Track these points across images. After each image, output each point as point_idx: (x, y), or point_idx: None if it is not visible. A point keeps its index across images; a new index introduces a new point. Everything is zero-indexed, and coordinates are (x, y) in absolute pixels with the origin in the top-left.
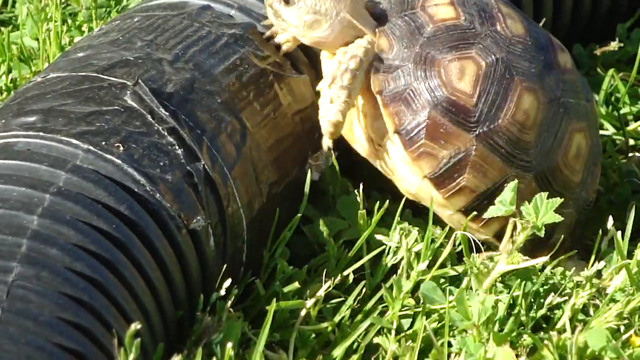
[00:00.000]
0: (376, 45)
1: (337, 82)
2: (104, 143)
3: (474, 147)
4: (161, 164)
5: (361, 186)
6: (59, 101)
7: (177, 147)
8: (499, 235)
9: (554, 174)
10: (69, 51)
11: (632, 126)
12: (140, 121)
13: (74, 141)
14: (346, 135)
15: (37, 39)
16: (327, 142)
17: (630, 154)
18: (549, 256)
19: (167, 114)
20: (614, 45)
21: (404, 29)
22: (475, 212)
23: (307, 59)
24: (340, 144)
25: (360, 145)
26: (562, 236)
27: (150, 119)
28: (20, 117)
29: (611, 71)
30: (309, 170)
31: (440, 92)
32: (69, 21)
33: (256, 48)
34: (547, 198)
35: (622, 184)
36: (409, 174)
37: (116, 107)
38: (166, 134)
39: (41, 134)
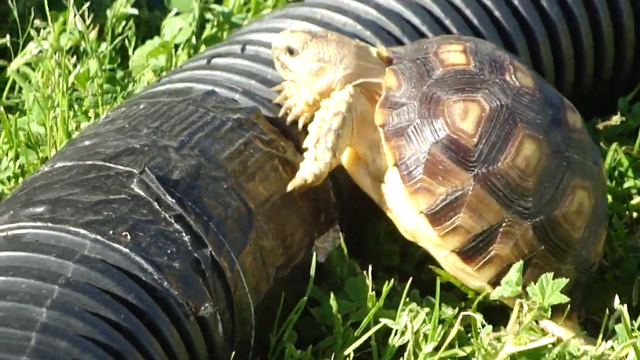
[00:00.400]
0: (385, 82)
1: (322, 142)
2: (111, 232)
3: (471, 186)
4: (168, 251)
5: (370, 268)
6: (67, 191)
7: (184, 234)
8: (495, 283)
9: (552, 226)
10: (75, 139)
11: (637, 200)
12: (147, 209)
13: (82, 231)
14: (349, 170)
15: (44, 125)
16: (294, 184)
17: (635, 229)
18: (555, 337)
19: (173, 201)
20: (616, 119)
21: (414, 70)
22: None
23: None
24: (345, 221)
25: (362, 179)
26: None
27: (157, 207)
28: (29, 207)
29: (614, 145)
30: (315, 253)
31: (442, 129)
32: (75, 106)
33: (261, 132)
34: (545, 250)
35: (627, 259)
36: (406, 210)
37: (123, 196)
38: (173, 221)
39: (49, 224)
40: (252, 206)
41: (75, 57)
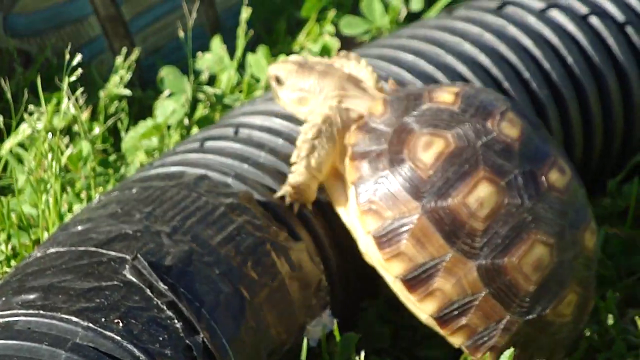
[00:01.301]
0: (369, 109)
1: (299, 152)
2: (103, 320)
3: (417, 216)
4: (160, 338)
5: (362, 354)
6: (59, 277)
7: (176, 321)
8: (440, 319)
9: (499, 272)
10: (68, 224)
11: (627, 281)
12: (140, 296)
13: (74, 319)
14: (327, 186)
15: (36, 206)
16: (280, 194)
17: (626, 312)
18: None
19: (165, 287)
20: (605, 200)
21: (404, 103)
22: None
23: (302, 224)
24: (337, 305)
25: (337, 198)
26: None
27: (149, 293)
28: (21, 294)
29: (604, 227)
30: (307, 338)
31: (403, 158)
32: (68, 188)
33: (253, 216)
34: (489, 294)
35: (618, 341)
36: (360, 230)
37: (115, 282)
38: (165, 307)
39: (41, 312)
40: (244, 292)
41: (68, 137)
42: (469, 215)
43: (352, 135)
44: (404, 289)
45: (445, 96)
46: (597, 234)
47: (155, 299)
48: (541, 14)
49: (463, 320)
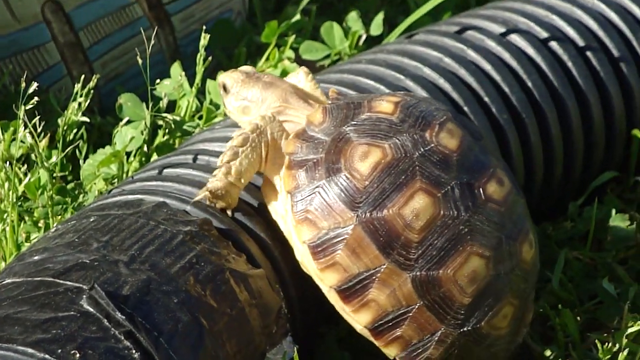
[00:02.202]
0: (309, 117)
1: (222, 158)
2: (60, 351)
3: (352, 226)
4: None
5: None
6: (15, 308)
7: (134, 351)
8: (374, 330)
9: (434, 284)
10: (24, 253)
11: (587, 305)
12: (97, 326)
13: (30, 350)
14: (263, 193)
15: None
16: (197, 198)
17: (586, 336)
18: None
19: (123, 317)
20: (566, 224)
21: (343, 111)
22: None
23: (261, 250)
24: (297, 332)
25: (272, 206)
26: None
27: (107, 323)
28: None
29: (564, 250)
30: None
31: (339, 167)
32: (26, 217)
33: (212, 244)
34: (424, 306)
35: None
36: (295, 239)
37: (72, 313)
38: (123, 337)
39: None
40: (203, 320)
41: (25, 165)
42: (404, 226)
43: (290, 143)
44: (339, 300)
45: (385, 105)
46: (536, 245)
47: (113, 329)
48: (500, 38)
49: (398, 332)
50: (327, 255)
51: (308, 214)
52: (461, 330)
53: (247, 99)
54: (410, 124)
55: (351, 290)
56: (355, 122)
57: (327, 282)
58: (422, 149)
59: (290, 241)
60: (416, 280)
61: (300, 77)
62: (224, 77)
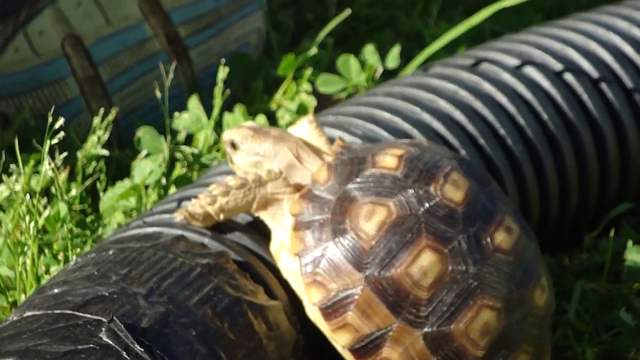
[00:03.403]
0: (313, 175)
1: (212, 189)
2: None
3: (361, 287)
4: None
5: None
6: (35, 341)
7: None
8: (357, 351)
9: (446, 340)
10: (44, 286)
11: (604, 336)
12: (116, 358)
13: None
14: (273, 254)
15: (13, 268)
16: (175, 215)
17: None
18: None
19: (142, 350)
20: (582, 255)
21: (347, 167)
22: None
23: (279, 283)
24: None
25: (283, 265)
26: None
27: (126, 356)
28: None
29: (580, 282)
30: None
31: (345, 228)
32: (45, 250)
33: (230, 277)
34: None
35: None
36: (306, 300)
37: (91, 345)
38: None
39: None
40: (221, 353)
41: (46, 198)
42: (412, 285)
43: (295, 204)
44: (353, 359)
45: (389, 160)
46: (549, 288)
47: None
48: (516, 71)
49: None
50: (338, 316)
51: (317, 276)
52: None
53: (260, 154)
54: (414, 178)
55: (364, 350)
56: (359, 180)
57: (339, 342)
58: (427, 204)
59: (302, 300)
60: (428, 337)
61: (303, 126)
62: (231, 134)
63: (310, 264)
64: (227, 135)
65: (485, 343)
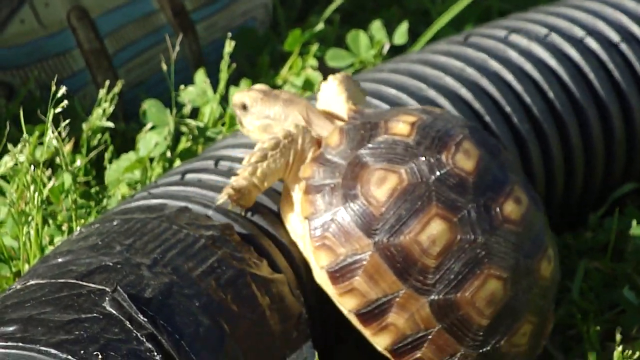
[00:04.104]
0: (326, 139)
1: (250, 158)
2: (82, 352)
3: (370, 253)
4: None
5: None
6: (38, 309)
7: (155, 354)
8: (394, 351)
9: (452, 308)
10: (48, 256)
11: (607, 314)
12: (119, 328)
13: (53, 351)
14: (282, 213)
15: (18, 238)
16: (220, 198)
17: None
18: None
19: (145, 319)
20: (587, 234)
21: (360, 133)
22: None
23: (283, 256)
24: (317, 337)
25: (292, 228)
26: None
27: (129, 326)
28: (0, 326)
29: (584, 261)
30: None
31: (356, 193)
32: (50, 220)
33: (233, 249)
34: (442, 329)
35: None
36: (314, 263)
37: (95, 315)
38: (145, 340)
39: (20, 344)
40: (224, 324)
41: (50, 169)
42: (421, 252)
43: (307, 167)
44: (359, 323)
45: (401, 127)
46: (555, 258)
47: (135, 331)
48: (522, 49)
49: (417, 354)
50: (345, 280)
51: (326, 240)
52: (480, 350)
53: (270, 117)
54: (426, 145)
55: (370, 315)
56: (371, 145)
57: (346, 306)
58: (438, 173)
59: (310, 263)
60: (434, 304)
61: (330, 84)
62: (241, 96)
63: (319, 227)
64: (237, 97)
65: (491, 312)
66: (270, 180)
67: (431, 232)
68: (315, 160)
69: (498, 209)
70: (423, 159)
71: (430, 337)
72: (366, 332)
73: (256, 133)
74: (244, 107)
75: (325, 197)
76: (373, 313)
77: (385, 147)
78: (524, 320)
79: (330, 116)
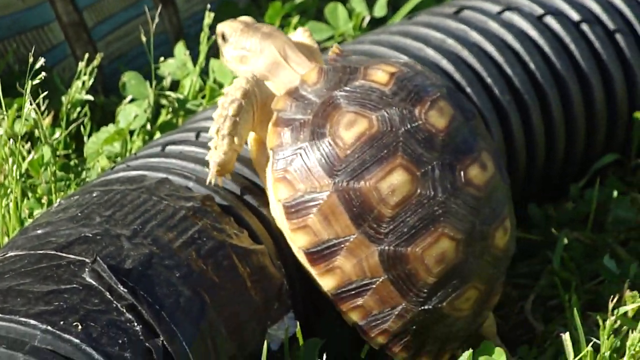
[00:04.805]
0: (303, 76)
1: (220, 130)
2: (62, 322)
3: (328, 193)
4: (120, 341)
5: (324, 356)
6: (18, 280)
7: (135, 324)
8: (336, 295)
9: (400, 260)
10: (28, 228)
11: (588, 284)
12: (99, 299)
13: (32, 321)
14: (253, 158)
15: None
16: (210, 178)
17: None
18: None
19: (125, 290)
20: (568, 205)
21: (338, 75)
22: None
23: (264, 227)
24: (298, 308)
25: (259, 164)
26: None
27: (109, 296)
28: None
29: (565, 231)
30: (268, 341)
31: (324, 132)
32: (29, 193)
33: (214, 220)
34: (388, 280)
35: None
36: (272, 195)
37: (75, 285)
38: (125, 310)
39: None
40: (204, 295)
41: (29, 143)
42: (379, 200)
43: (280, 100)
44: (307, 262)
45: (380, 75)
46: (512, 232)
47: (115, 302)
48: (503, 20)
49: (359, 301)
50: (299, 217)
51: (287, 174)
52: (422, 307)
53: (246, 48)
54: (402, 97)
55: (319, 255)
56: (347, 88)
57: (296, 243)
58: (408, 125)
59: (268, 196)
60: (383, 254)
61: (297, 34)
62: (223, 26)
63: (282, 160)
64: (219, 27)
65: (439, 271)
66: (244, 140)
67: (392, 181)
68: (289, 94)
69: (462, 171)
70: (396, 109)
71: (374, 286)
72: (313, 272)
73: (233, 64)
74: (224, 37)
75: (294, 131)
76: (322, 254)
77: (361, 92)
78: (471, 285)
79: (310, 56)
